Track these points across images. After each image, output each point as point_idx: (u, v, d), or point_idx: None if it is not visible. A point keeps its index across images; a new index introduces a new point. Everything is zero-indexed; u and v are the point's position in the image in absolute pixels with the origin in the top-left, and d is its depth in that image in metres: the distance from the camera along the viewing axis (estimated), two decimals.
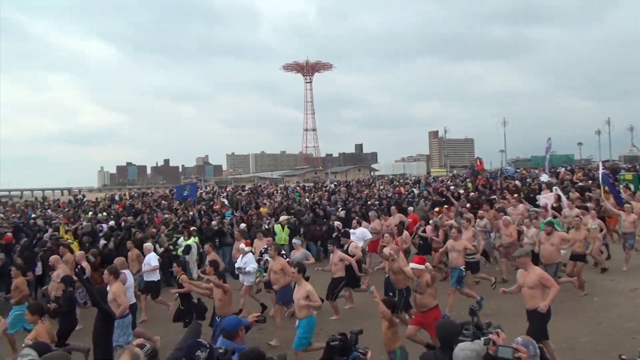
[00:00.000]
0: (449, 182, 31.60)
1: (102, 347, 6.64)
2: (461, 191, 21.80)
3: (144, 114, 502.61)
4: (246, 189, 41.15)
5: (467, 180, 29.51)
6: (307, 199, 26.49)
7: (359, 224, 14.01)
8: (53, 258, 10.93)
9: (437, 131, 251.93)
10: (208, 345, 3.63)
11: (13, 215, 32.93)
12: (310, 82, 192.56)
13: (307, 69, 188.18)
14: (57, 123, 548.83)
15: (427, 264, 7.63)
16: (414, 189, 27.15)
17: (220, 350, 3.70)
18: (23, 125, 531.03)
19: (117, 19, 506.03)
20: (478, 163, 30.01)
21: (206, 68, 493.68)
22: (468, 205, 16.82)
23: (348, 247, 11.15)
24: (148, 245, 11.95)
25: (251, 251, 11.31)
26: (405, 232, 12.73)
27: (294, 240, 11.63)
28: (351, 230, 12.99)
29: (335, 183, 42.69)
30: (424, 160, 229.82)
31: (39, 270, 13.01)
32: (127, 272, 9.26)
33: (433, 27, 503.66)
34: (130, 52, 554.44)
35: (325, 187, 36.79)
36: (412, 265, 7.66)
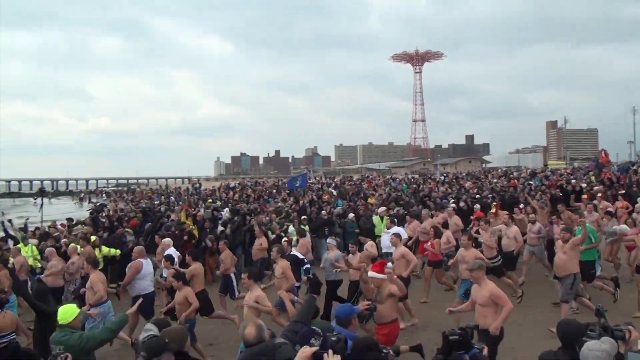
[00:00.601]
0: (569, 175, 29.44)
1: (40, 343, 6.92)
2: (583, 185, 20.23)
3: (257, 106, 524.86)
4: (354, 179, 41.36)
5: (591, 173, 27.32)
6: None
7: (393, 223, 13.35)
8: (71, 247, 11.27)
9: (556, 121, 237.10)
10: (322, 334, 3.67)
11: (141, 201, 35.89)
12: (420, 72, 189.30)
13: (417, 59, 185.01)
14: (179, 116, 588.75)
15: (390, 272, 6.88)
16: (530, 182, 25.66)
17: (333, 338, 3.73)
18: (150, 118, 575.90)
19: (232, 16, 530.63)
20: (603, 155, 27.66)
21: (316, 61, 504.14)
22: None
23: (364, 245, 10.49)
24: (167, 240, 11.71)
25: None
26: (447, 233, 11.34)
27: (328, 240, 10.68)
28: (384, 230, 12.45)
29: (444, 175, 41.54)
30: (541, 151, 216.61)
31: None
32: (146, 260, 9.31)
33: (551, 10, 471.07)
34: (244, 48, 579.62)
35: (434, 178, 35.93)
36: (370, 273, 6.81)
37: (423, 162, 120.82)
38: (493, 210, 13.82)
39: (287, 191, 27.13)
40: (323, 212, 17.07)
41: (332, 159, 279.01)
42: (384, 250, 12.19)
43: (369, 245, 10.74)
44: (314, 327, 3.87)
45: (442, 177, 36.80)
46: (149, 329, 4.48)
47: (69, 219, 20.17)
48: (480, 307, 6.24)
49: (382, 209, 16.48)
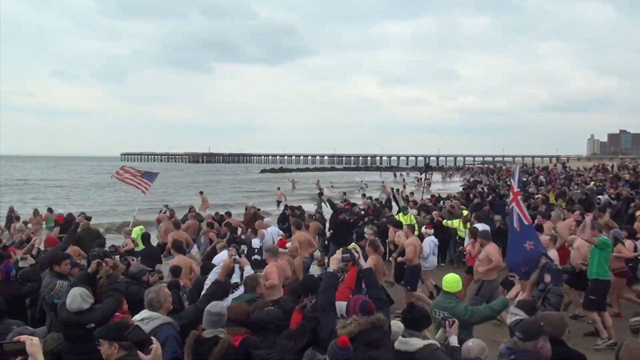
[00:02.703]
0: None
1: None
2: None
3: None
4: None
5: None
6: None
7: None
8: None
9: None
10: None
11: (506, 179, 36.16)
12: None
13: None
14: (548, 91, 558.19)
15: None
16: None
17: None
18: (516, 95, 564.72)
19: None
20: None
21: None
22: None
23: None
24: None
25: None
26: None
27: None
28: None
29: None
30: None
31: None
32: None
33: None
34: (627, 10, 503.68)
35: None
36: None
37: None
38: None
39: None
40: None
41: None
42: None
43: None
44: None
45: None
46: (515, 313, 4.70)
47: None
48: None
49: None
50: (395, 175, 58.22)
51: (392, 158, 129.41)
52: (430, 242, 10.53)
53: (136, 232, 11.68)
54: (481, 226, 10.66)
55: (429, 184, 28.12)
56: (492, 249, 8.75)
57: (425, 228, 11.10)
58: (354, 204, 17.49)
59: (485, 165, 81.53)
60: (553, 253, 7.87)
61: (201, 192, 25.33)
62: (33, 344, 2.99)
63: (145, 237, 11.01)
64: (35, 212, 16.59)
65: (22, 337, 2.98)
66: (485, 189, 24.62)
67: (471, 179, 41.58)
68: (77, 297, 4.95)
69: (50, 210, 17.16)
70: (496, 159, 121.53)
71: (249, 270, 6.05)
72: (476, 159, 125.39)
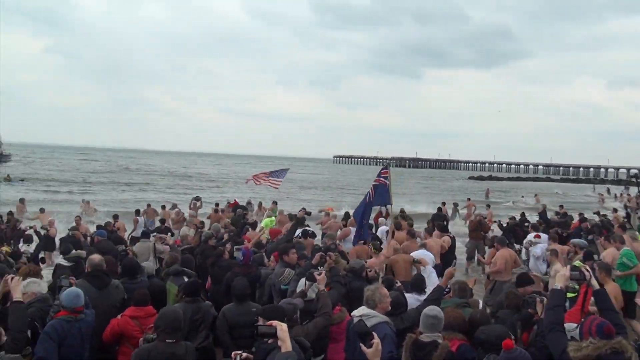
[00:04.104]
0: None
1: None
2: None
3: None
4: None
5: None
6: None
7: None
8: None
9: None
10: None
11: None
12: None
13: None
14: None
15: None
16: None
17: None
18: None
19: None
20: None
21: None
22: None
23: None
24: None
25: None
26: None
27: None
28: None
29: None
30: None
31: None
32: None
33: None
34: None
35: None
36: None
37: None
38: None
39: None
40: None
41: None
42: None
43: None
44: None
45: None
46: None
47: None
48: None
49: None
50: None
51: (621, 170, 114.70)
52: None
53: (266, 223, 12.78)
54: None
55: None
56: (499, 254, 9.55)
57: None
58: (585, 219, 15.73)
59: None
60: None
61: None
62: (283, 329, 3.43)
63: None
64: (260, 205, 19.98)
65: (274, 322, 3.46)
66: None
67: None
68: (301, 286, 5.54)
69: (275, 202, 19.55)
70: None
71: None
72: None
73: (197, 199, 20.77)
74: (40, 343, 4.43)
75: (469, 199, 24.21)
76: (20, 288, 4.59)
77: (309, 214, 13.44)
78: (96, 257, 6.03)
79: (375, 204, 11.32)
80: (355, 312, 4.99)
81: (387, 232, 11.17)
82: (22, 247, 12.14)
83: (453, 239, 12.11)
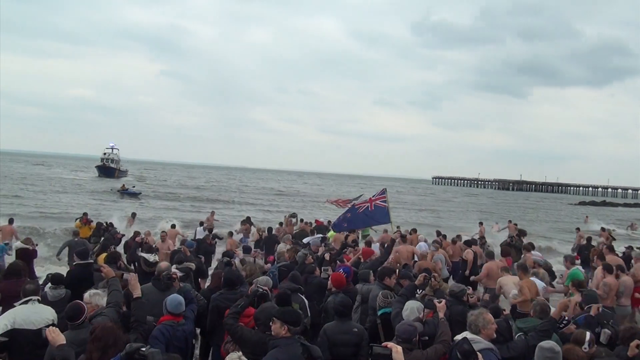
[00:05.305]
0: None
1: None
2: None
3: None
4: None
5: None
6: None
7: None
8: None
9: None
10: None
11: None
12: None
13: None
14: None
15: None
16: None
17: None
18: None
19: None
20: None
21: None
22: None
23: None
24: None
25: None
26: None
27: None
28: None
29: None
30: None
31: None
32: None
33: None
34: None
35: None
36: None
37: None
38: None
39: None
40: None
41: None
42: None
43: None
44: None
45: None
46: None
47: None
48: None
49: None
50: None
51: None
52: None
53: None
54: None
55: None
56: (486, 265, 10.59)
57: None
58: None
59: None
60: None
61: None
62: (398, 352, 3.32)
63: None
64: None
65: (389, 344, 3.37)
66: None
67: None
68: (414, 310, 5.52)
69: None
70: None
71: None
72: None
73: (293, 215, 20.76)
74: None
75: (510, 221, 22.95)
76: (139, 286, 5.37)
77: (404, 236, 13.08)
78: (164, 264, 6.65)
79: (375, 223, 14.56)
80: (458, 337, 4.77)
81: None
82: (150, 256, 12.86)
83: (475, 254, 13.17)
